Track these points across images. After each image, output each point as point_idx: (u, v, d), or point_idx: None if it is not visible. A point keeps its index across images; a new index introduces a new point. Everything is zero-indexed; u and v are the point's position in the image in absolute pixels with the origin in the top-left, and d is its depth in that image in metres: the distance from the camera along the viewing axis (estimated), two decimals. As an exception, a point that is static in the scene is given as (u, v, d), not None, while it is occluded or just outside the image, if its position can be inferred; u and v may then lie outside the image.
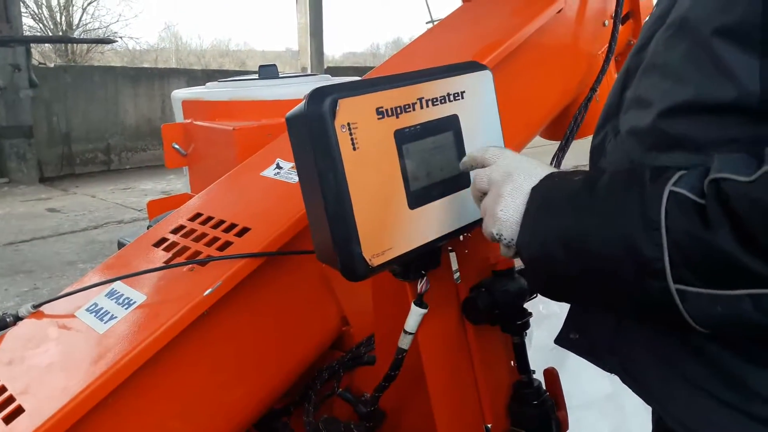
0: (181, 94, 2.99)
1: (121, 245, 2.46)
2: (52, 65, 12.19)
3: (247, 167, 1.53)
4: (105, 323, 1.13)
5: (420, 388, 1.09)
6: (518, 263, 1.10)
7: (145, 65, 19.50)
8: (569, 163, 1.78)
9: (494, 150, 0.87)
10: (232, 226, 1.28)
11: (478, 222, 1.01)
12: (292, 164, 1.38)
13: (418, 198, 0.91)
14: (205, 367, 1.16)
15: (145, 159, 10.84)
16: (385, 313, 1.16)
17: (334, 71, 12.71)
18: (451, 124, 0.96)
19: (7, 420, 1.02)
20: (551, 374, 1.22)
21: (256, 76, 2.99)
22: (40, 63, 12.20)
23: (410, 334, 1.02)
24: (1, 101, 9.05)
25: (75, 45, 18.62)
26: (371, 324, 1.27)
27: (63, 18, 19.79)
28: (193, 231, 1.33)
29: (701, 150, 0.68)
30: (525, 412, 1.16)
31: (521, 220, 0.78)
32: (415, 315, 1.01)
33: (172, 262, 1.24)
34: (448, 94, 0.96)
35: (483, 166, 0.87)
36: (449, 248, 1.10)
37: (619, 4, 1.77)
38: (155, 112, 11.02)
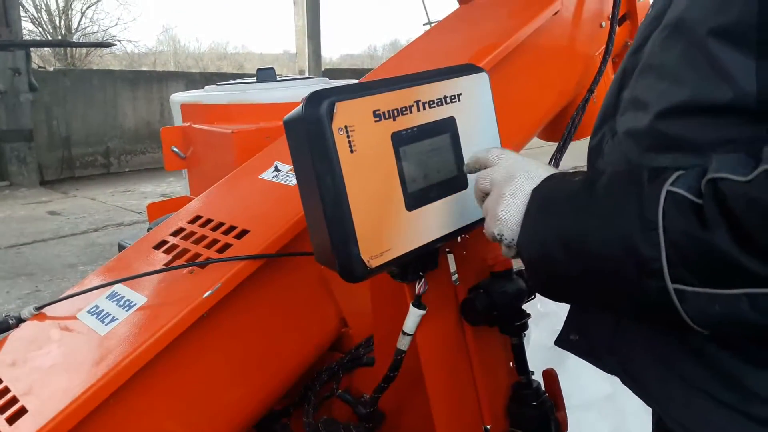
0: (179, 97, 3.00)
1: (121, 248, 2.46)
2: (51, 69, 12.20)
3: (246, 170, 1.53)
4: (106, 325, 1.14)
5: (419, 390, 1.10)
6: (516, 264, 1.11)
7: (144, 68, 19.51)
8: (567, 164, 1.79)
9: (497, 151, 0.88)
10: (232, 228, 1.28)
11: (476, 223, 1.02)
12: (291, 167, 1.38)
13: (415, 200, 0.92)
14: (205, 368, 1.17)
15: (144, 162, 10.84)
16: (384, 315, 1.16)
17: (331, 73, 12.75)
18: (448, 126, 0.97)
19: (11, 420, 1.02)
20: (550, 375, 1.22)
21: (254, 79, 3.00)
22: (39, 67, 12.21)
23: (409, 335, 1.03)
24: (2, 105, 9.05)
25: (74, 49, 18.63)
26: (370, 325, 1.28)
27: (62, 22, 19.80)
28: (192, 233, 1.33)
29: (698, 151, 0.68)
30: (524, 413, 1.16)
31: (522, 221, 0.79)
32: (413, 316, 1.02)
33: (172, 265, 1.24)
34: (445, 97, 0.97)
35: (486, 167, 0.88)
36: (447, 250, 1.11)
37: (615, 6, 1.78)
38: (154, 116, 11.02)
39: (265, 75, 2.94)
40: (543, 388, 1.20)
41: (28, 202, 8.32)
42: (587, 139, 0.95)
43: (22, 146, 9.31)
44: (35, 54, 14.10)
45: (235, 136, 2.36)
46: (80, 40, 19.40)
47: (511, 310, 1.11)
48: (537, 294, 1.11)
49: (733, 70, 0.65)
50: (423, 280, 1.01)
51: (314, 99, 0.84)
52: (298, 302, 1.31)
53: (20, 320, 1.28)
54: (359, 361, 1.32)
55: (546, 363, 1.25)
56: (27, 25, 17.62)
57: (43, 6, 19.37)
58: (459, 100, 0.98)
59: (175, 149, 2.67)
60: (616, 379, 0.87)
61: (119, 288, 1.23)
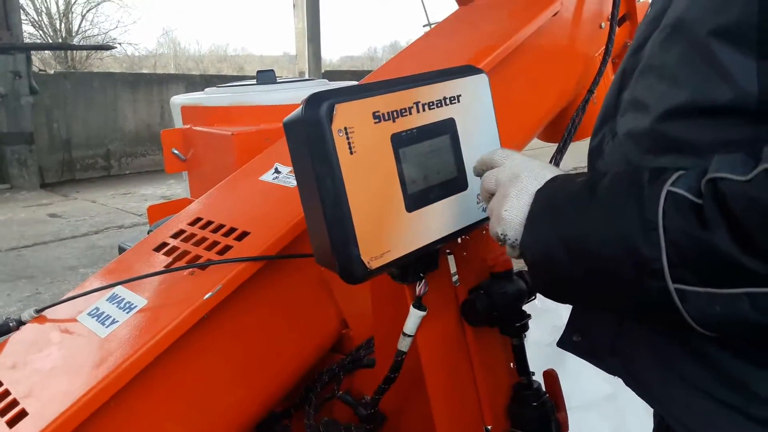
0: (180, 99, 3.01)
1: (121, 250, 2.47)
2: (52, 72, 12.22)
3: (246, 172, 1.53)
4: (106, 327, 1.14)
5: (420, 391, 1.10)
6: (516, 265, 1.11)
7: (144, 71, 19.53)
8: (568, 164, 1.79)
9: (502, 152, 0.89)
10: (232, 230, 1.29)
11: (476, 224, 1.02)
12: (291, 168, 1.39)
13: (415, 201, 0.92)
14: (206, 370, 1.17)
15: (144, 164, 10.85)
16: (384, 316, 1.16)
17: (331, 75, 12.76)
18: (448, 127, 0.97)
19: (11, 423, 1.02)
20: (551, 376, 1.22)
21: (254, 81, 3.01)
22: (40, 70, 12.24)
23: (409, 336, 1.03)
24: (2, 108, 9.06)
25: (74, 51, 18.65)
26: (371, 327, 1.28)
27: (62, 25, 19.84)
28: (193, 235, 1.33)
29: (698, 152, 0.68)
30: (525, 414, 1.16)
31: (525, 221, 0.79)
32: (413, 317, 1.02)
33: (173, 266, 1.24)
34: (445, 98, 0.97)
35: (492, 168, 0.88)
36: (447, 251, 1.11)
37: (615, 6, 1.78)
38: (154, 118, 11.03)
39: (265, 77, 2.95)
40: (543, 388, 1.20)
41: (29, 204, 8.33)
42: (587, 140, 0.96)
43: (22, 149, 9.32)
44: (36, 57, 14.12)
45: (235, 138, 2.36)
46: (81, 43, 19.42)
47: (512, 310, 1.11)
48: (537, 294, 1.11)
49: (734, 70, 0.65)
50: (423, 281, 1.01)
51: (314, 101, 0.84)
52: (298, 304, 1.31)
53: (21, 323, 1.28)
54: (360, 362, 1.32)
55: (545, 361, 1.25)
56: (27, 29, 17.67)
57: (44, 9, 19.43)
58: (459, 101, 0.99)
59: (176, 151, 2.68)
60: (615, 379, 0.87)
61: (120, 290, 1.23)
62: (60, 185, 9.73)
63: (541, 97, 1.79)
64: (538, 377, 1.20)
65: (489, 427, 1.15)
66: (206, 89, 3.14)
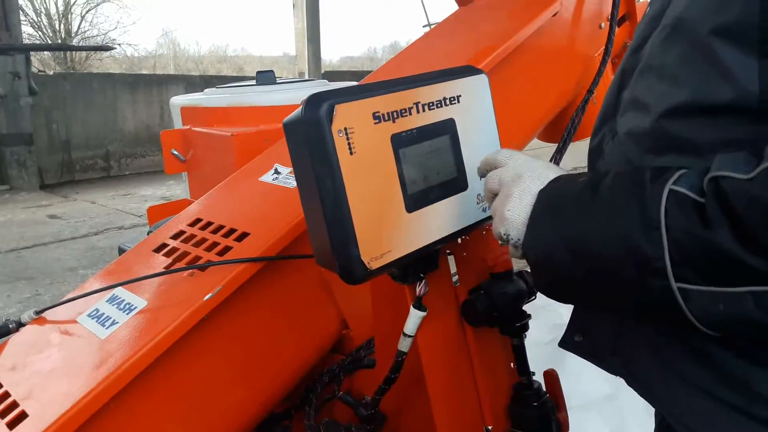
0: (179, 100, 3.01)
1: (121, 251, 2.46)
2: (51, 73, 12.22)
3: (246, 172, 1.53)
4: (106, 329, 1.14)
5: (420, 391, 1.10)
6: (517, 265, 1.11)
7: (144, 72, 19.55)
8: (568, 165, 1.78)
9: (506, 152, 0.89)
10: (232, 231, 1.29)
11: (476, 225, 1.02)
12: (290, 169, 1.39)
13: (415, 201, 0.92)
14: (206, 371, 1.17)
15: (144, 165, 10.85)
16: (385, 316, 1.16)
17: (331, 76, 12.77)
18: (448, 127, 0.97)
19: (11, 425, 1.02)
20: (551, 376, 1.22)
21: (253, 81, 3.01)
22: (39, 71, 12.24)
23: (409, 336, 1.03)
24: (2, 109, 9.07)
25: (74, 52, 18.65)
26: (371, 327, 1.28)
27: (62, 26, 19.84)
28: (192, 236, 1.33)
29: (699, 152, 0.68)
30: (525, 414, 1.16)
31: (527, 222, 0.79)
32: (414, 318, 1.02)
33: (173, 268, 1.24)
34: (444, 99, 0.97)
35: (495, 168, 0.88)
36: (447, 251, 1.11)
37: (615, 7, 1.78)
38: (154, 119, 11.04)
39: (265, 78, 2.94)
40: (544, 388, 1.20)
41: (29, 205, 8.33)
42: (587, 140, 0.96)
43: (22, 150, 9.32)
44: (35, 58, 14.12)
45: (234, 138, 2.36)
46: (80, 44, 19.43)
47: (512, 311, 1.11)
48: (537, 295, 1.11)
49: (735, 69, 0.65)
50: (423, 281, 1.01)
51: (314, 101, 0.84)
52: (298, 304, 1.31)
53: (20, 324, 1.28)
54: (360, 362, 1.32)
55: (544, 360, 1.25)
56: (27, 29, 17.68)
57: (43, 10, 19.43)
58: (458, 101, 0.99)
59: (175, 152, 2.68)
60: (615, 379, 0.87)
61: (119, 291, 1.23)
62: (59, 186, 9.73)
63: (541, 97, 1.79)
64: (539, 376, 1.20)
65: (489, 428, 1.15)
66: (206, 90, 3.14)
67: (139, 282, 1.23)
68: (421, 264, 1.00)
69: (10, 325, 1.27)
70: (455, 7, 1.96)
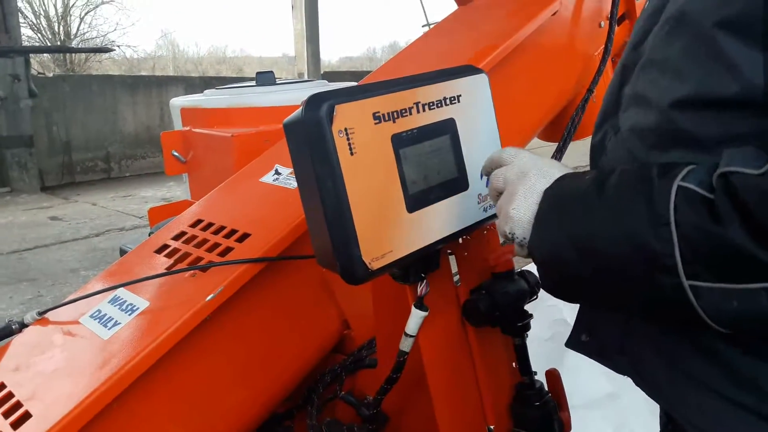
0: (179, 101, 3.01)
1: (123, 252, 2.47)
2: (51, 75, 12.23)
3: (246, 173, 1.54)
4: (109, 329, 1.14)
5: (422, 391, 1.10)
6: (517, 265, 1.12)
7: (143, 73, 19.55)
8: (568, 164, 1.79)
9: (511, 150, 0.88)
10: (233, 231, 1.29)
11: (477, 224, 1.02)
12: (291, 170, 1.39)
13: (416, 201, 0.92)
14: (208, 371, 1.17)
15: (144, 166, 10.86)
16: (386, 316, 1.16)
17: (330, 76, 12.76)
18: (448, 127, 0.97)
19: (15, 425, 1.03)
20: (553, 375, 1.22)
21: (253, 82, 3.01)
22: (39, 73, 12.25)
23: (411, 336, 1.03)
24: (2, 111, 9.08)
25: (73, 54, 18.65)
26: (372, 327, 1.28)
27: (61, 27, 19.84)
28: (194, 237, 1.33)
29: (704, 147, 0.68)
30: (527, 413, 1.16)
31: (533, 220, 0.78)
32: (415, 318, 1.02)
33: (174, 269, 1.25)
34: (445, 98, 0.97)
35: (500, 166, 0.88)
36: (448, 251, 1.11)
37: (615, 5, 1.78)
38: (154, 120, 11.04)
39: (265, 78, 2.95)
40: (546, 388, 1.20)
41: (30, 207, 8.34)
42: (587, 140, 0.95)
43: (22, 152, 9.33)
44: (34, 60, 14.13)
45: (235, 139, 2.36)
46: (79, 46, 19.44)
47: (513, 310, 1.11)
48: (538, 295, 1.11)
49: (740, 62, 0.64)
50: (425, 281, 1.01)
51: (314, 102, 0.84)
52: (300, 305, 1.31)
53: (23, 325, 1.28)
54: (362, 362, 1.32)
55: (544, 357, 1.24)
56: (26, 32, 17.68)
57: (42, 12, 19.43)
58: (459, 101, 0.99)
59: (176, 153, 2.68)
60: (617, 377, 0.87)
61: (121, 292, 1.23)
62: (60, 188, 9.74)
63: (541, 96, 1.79)
64: (540, 374, 1.21)
65: (492, 427, 1.15)
66: (205, 91, 3.14)
67: (140, 283, 1.23)
68: (422, 264, 1.00)
69: (13, 326, 1.27)
70: (455, 6, 1.96)
